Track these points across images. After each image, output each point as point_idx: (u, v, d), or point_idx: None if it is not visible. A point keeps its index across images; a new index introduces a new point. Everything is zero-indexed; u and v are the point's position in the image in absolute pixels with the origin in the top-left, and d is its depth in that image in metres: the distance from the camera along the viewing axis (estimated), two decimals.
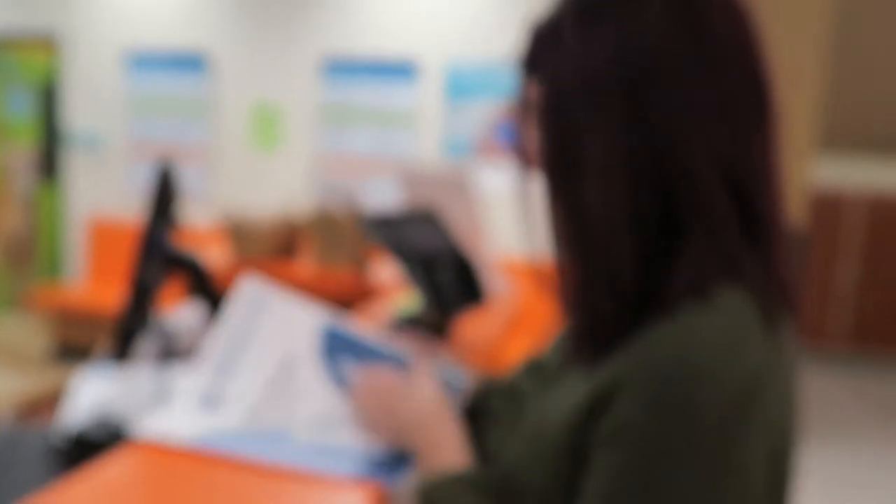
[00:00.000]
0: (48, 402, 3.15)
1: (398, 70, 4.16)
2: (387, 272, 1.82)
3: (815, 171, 4.71)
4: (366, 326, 0.96)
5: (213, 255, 2.04)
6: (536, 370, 0.78)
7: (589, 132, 0.58)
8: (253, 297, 0.86)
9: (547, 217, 0.63)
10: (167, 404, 0.88)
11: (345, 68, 4.25)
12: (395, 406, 0.79)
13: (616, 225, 0.57)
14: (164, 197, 1.06)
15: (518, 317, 1.75)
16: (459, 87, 4.07)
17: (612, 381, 0.55)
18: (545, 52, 0.62)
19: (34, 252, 5.08)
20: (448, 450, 0.72)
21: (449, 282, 1.26)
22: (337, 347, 0.87)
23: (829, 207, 4.66)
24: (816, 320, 4.72)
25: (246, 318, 0.86)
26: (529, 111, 0.65)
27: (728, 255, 0.57)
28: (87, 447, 0.88)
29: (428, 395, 0.78)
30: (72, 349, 4.27)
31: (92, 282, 4.66)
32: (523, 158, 0.67)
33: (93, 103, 4.71)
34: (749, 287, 0.57)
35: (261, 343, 0.86)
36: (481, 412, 0.84)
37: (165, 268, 1.12)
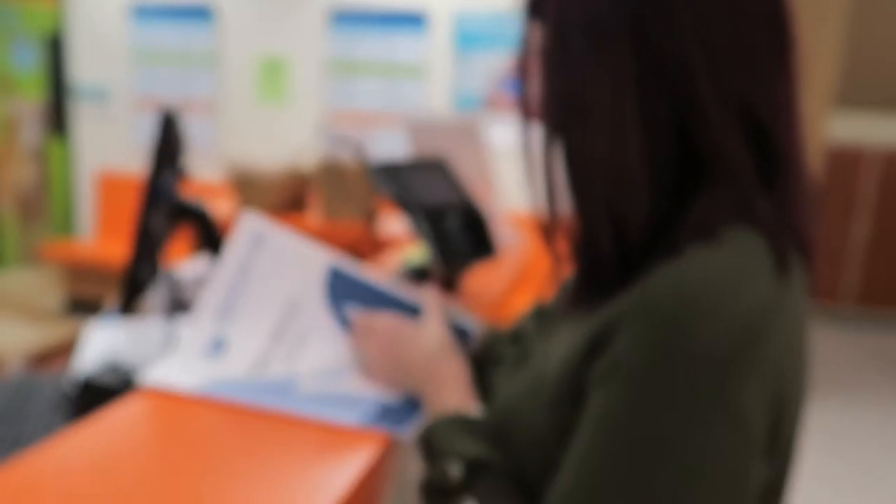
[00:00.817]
0: (58, 354, 3.19)
1: (406, 21, 4.09)
2: (396, 224, 1.81)
3: (830, 128, 4.63)
4: (374, 271, 0.95)
5: (221, 208, 2.03)
6: (540, 315, 0.77)
7: (596, 73, 0.56)
8: (254, 233, 0.83)
9: (546, 164, 0.61)
10: (174, 353, 0.88)
11: (352, 20, 4.17)
12: (399, 345, 0.80)
13: (628, 169, 0.56)
14: (169, 145, 1.05)
15: (526, 269, 1.74)
16: (469, 38, 4.00)
17: (611, 320, 0.54)
18: None
19: (44, 205, 5.10)
20: (452, 390, 0.72)
21: (457, 234, 1.24)
22: (342, 291, 0.86)
23: (842, 165, 4.60)
24: (828, 278, 4.70)
25: (247, 257, 0.83)
26: (532, 58, 0.63)
27: (741, 198, 0.55)
28: (97, 395, 0.89)
29: (434, 336, 0.79)
30: (82, 302, 4.31)
31: (102, 235, 4.68)
32: (525, 109, 0.64)
33: (99, 55, 4.66)
34: (761, 229, 0.55)
35: (263, 284, 0.84)
36: (486, 359, 0.84)
37: (172, 218, 1.12)
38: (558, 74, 0.59)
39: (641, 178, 0.56)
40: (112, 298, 3.88)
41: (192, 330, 0.84)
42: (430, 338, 0.79)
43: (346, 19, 4.18)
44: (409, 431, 0.74)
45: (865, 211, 4.62)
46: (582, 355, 0.56)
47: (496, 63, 3.96)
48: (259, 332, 0.84)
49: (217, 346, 0.83)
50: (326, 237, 1.89)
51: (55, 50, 4.79)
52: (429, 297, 0.86)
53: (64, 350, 3.30)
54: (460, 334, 0.86)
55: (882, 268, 4.64)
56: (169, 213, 1.10)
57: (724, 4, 0.55)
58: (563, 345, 0.61)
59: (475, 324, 0.89)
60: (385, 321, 0.83)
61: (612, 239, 0.57)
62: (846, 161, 4.59)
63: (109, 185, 4.66)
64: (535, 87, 0.63)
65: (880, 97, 4.73)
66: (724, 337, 0.50)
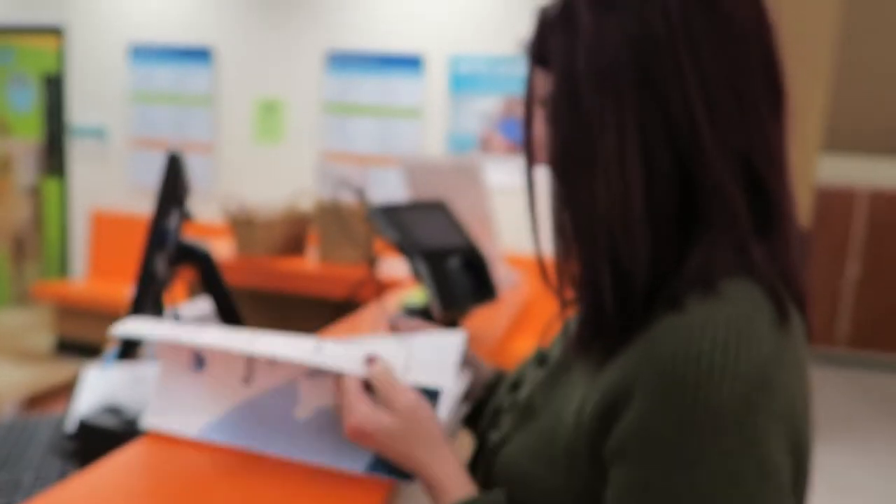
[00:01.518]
0: (51, 396, 3.15)
1: (402, 64, 4.15)
2: (398, 267, 1.81)
3: (820, 171, 4.71)
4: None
5: (219, 250, 2.03)
6: (542, 360, 0.76)
7: (603, 121, 0.57)
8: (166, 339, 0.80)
9: (554, 211, 0.61)
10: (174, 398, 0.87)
11: (349, 62, 4.24)
12: (380, 440, 0.69)
13: (631, 218, 0.56)
14: (175, 187, 1.05)
15: (525, 311, 1.74)
16: (463, 81, 4.06)
17: (622, 383, 0.54)
18: (556, 40, 0.60)
19: (38, 245, 5.08)
20: (448, 481, 0.67)
21: (458, 276, 1.25)
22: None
23: (832, 206, 4.66)
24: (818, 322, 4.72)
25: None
26: (538, 103, 0.64)
27: (740, 247, 0.56)
28: (99, 439, 0.88)
29: (410, 427, 0.68)
30: (74, 343, 4.26)
31: (95, 276, 4.66)
32: (530, 153, 0.65)
33: (97, 96, 4.70)
34: (759, 279, 0.55)
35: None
36: (486, 405, 0.83)
37: (176, 260, 1.12)
38: (565, 122, 0.59)
39: (643, 227, 0.56)
40: (112, 340, 3.85)
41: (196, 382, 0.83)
42: (405, 436, 0.68)
43: (343, 61, 4.25)
44: (412, 478, 0.74)
45: (850, 254, 4.66)
46: (597, 419, 0.56)
47: (490, 105, 4.02)
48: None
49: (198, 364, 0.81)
50: (326, 280, 1.89)
51: (54, 89, 4.83)
52: (381, 375, 0.71)
53: (56, 392, 3.25)
54: (430, 396, 0.77)
55: (871, 311, 4.67)
56: (173, 255, 1.10)
57: (725, 58, 0.56)
58: (573, 401, 0.61)
59: (451, 378, 0.80)
60: (354, 411, 0.69)
61: (614, 286, 0.57)
62: (836, 201, 4.65)
63: (104, 225, 4.66)
64: (540, 132, 0.64)
65: (863, 144, 4.83)
66: (739, 392, 0.50)
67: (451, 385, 0.77)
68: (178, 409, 0.82)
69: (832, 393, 4.22)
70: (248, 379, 0.80)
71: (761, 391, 0.50)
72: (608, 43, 0.57)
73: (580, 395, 0.59)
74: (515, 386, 0.78)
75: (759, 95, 0.57)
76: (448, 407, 0.74)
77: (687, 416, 0.50)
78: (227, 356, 0.80)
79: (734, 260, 0.56)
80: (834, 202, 4.65)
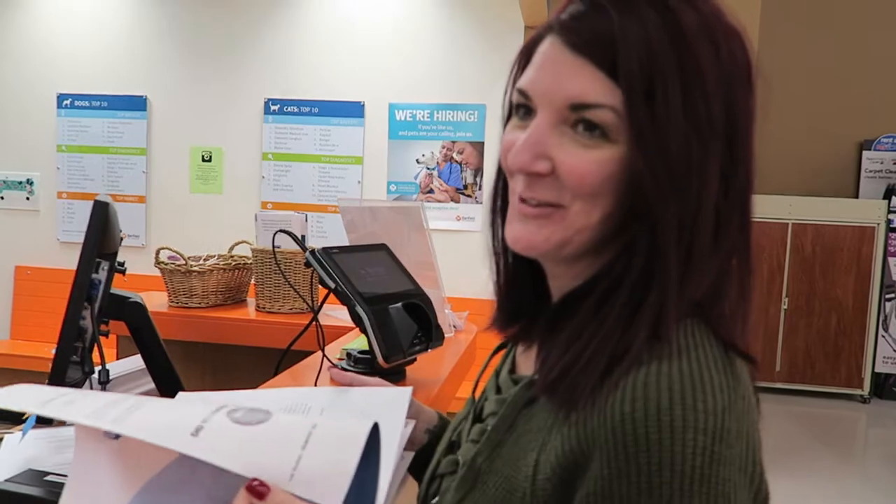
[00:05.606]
0: None
1: (343, 111, 4.17)
2: (341, 314, 1.77)
3: None
4: None
5: (154, 303, 1.96)
6: (476, 415, 0.71)
7: (701, 163, 0.55)
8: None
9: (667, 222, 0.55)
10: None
11: (288, 112, 4.23)
12: None
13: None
14: (103, 235, 1.01)
15: (470, 354, 1.73)
16: (403, 127, 4.10)
17: (578, 446, 0.52)
18: (645, 34, 0.54)
19: None
20: None
21: (401, 322, 1.22)
22: None
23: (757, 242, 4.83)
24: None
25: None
26: (570, 111, 0.56)
27: (692, 298, 0.56)
28: None
29: None
30: None
31: (19, 336, 4.44)
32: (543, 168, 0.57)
33: (24, 147, 4.55)
34: (710, 320, 0.56)
35: None
36: (428, 453, 0.79)
37: (105, 313, 1.06)
38: (676, 133, 0.55)
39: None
40: None
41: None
42: None
43: (283, 109, 4.24)
44: None
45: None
46: (554, 486, 0.54)
47: (429, 153, 4.06)
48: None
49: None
50: (266, 329, 1.84)
51: None
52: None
53: None
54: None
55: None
56: (101, 308, 1.05)
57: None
58: (525, 464, 0.57)
59: (404, 406, 0.78)
60: None
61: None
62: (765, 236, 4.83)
63: (29, 282, 4.47)
64: (577, 156, 0.56)
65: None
66: (701, 447, 0.49)
67: (391, 465, 0.66)
68: (98, 487, 0.73)
69: (772, 422, 4.31)
70: None
71: (721, 442, 0.50)
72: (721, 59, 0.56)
73: (532, 458, 0.57)
74: (452, 446, 0.73)
75: (749, 180, 0.60)
76: (385, 491, 0.62)
77: (654, 479, 0.49)
78: None
79: (686, 309, 0.55)
80: (762, 237, 4.83)
